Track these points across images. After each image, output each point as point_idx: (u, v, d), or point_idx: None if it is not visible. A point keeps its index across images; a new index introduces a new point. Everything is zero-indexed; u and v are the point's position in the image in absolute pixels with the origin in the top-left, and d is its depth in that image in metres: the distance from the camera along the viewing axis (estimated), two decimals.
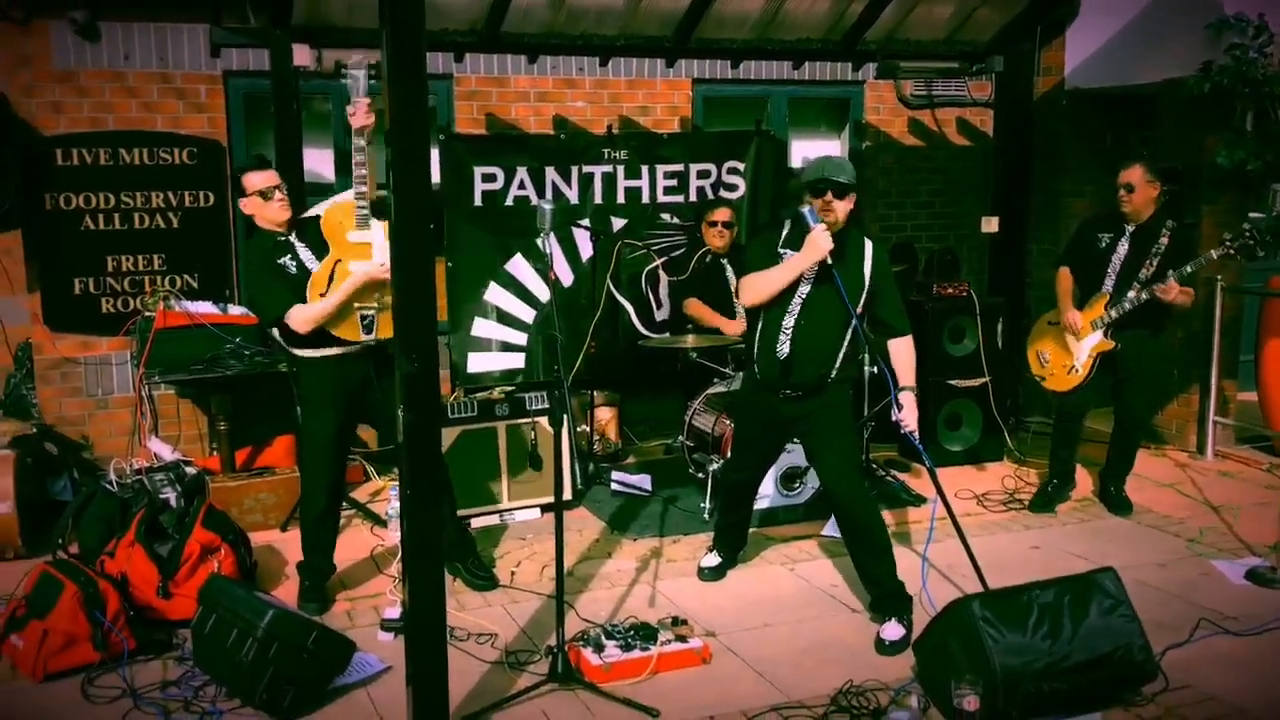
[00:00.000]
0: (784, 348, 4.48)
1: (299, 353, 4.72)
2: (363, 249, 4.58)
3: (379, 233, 4.56)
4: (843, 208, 4.40)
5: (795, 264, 4.37)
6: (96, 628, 4.15)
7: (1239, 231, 5.50)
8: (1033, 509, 6.01)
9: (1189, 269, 5.57)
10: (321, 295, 4.55)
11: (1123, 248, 5.74)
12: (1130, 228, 5.74)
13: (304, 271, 4.63)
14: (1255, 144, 6.56)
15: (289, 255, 4.67)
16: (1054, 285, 6.05)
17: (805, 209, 4.35)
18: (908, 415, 4.46)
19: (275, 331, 4.73)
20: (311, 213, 4.81)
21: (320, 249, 4.67)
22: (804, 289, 4.45)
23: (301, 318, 4.56)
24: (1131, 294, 5.65)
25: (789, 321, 4.47)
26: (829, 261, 4.31)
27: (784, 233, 4.56)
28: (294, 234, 4.72)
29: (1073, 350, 5.88)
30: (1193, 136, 6.94)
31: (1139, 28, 7.24)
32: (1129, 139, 8.09)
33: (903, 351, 4.58)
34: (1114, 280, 5.76)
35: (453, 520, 5.05)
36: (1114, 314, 5.72)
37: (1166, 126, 7.19)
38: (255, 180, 4.68)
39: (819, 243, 4.29)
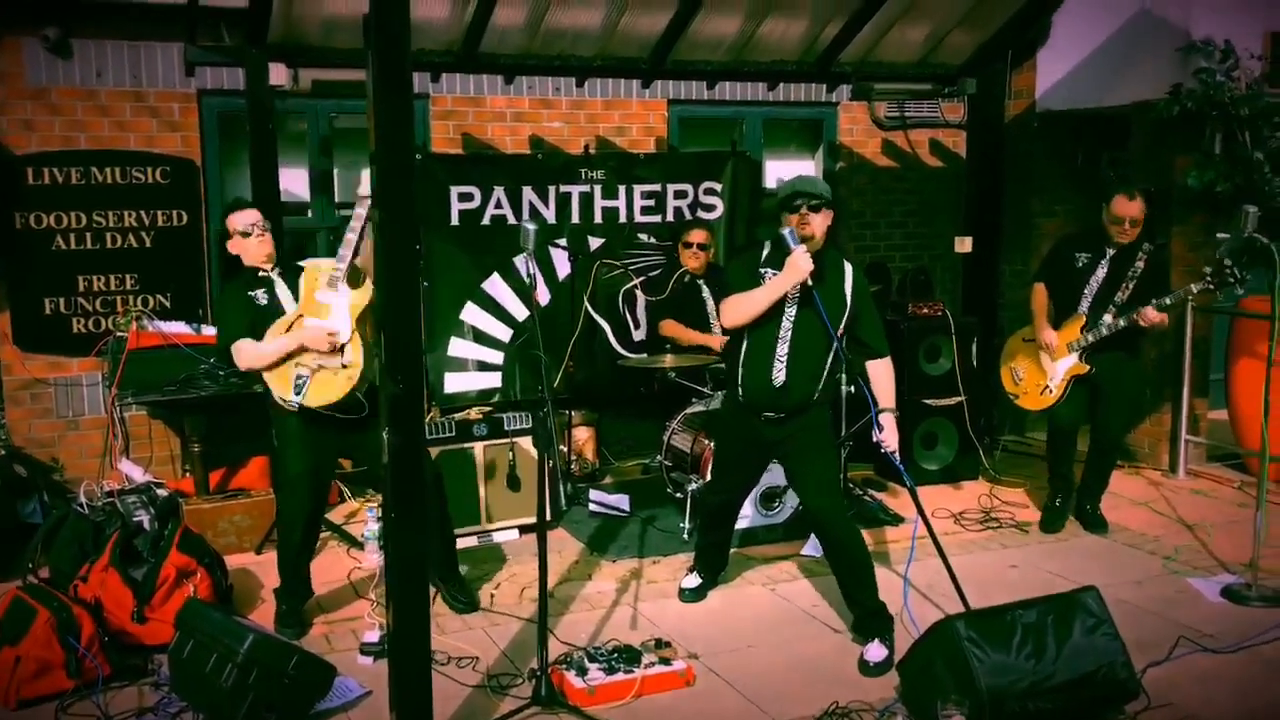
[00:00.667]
0: (779, 375, 4.47)
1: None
2: (323, 309, 4.57)
3: (343, 298, 4.56)
4: (819, 223, 4.41)
5: (777, 285, 4.38)
6: (70, 654, 4.08)
7: (1218, 265, 5.51)
8: (1044, 529, 5.98)
9: (1169, 300, 5.64)
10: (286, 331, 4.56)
11: (1101, 270, 5.80)
12: (1111, 251, 5.80)
13: (274, 305, 4.63)
14: (1224, 166, 6.67)
15: (264, 289, 4.67)
16: (1028, 302, 6.09)
17: (785, 230, 4.36)
18: (888, 436, 4.47)
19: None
20: (302, 262, 4.81)
21: (299, 296, 4.68)
22: (790, 312, 4.45)
23: (243, 352, 4.56)
24: (1108, 319, 5.71)
25: (782, 350, 4.46)
26: (809, 283, 4.32)
27: (764, 254, 4.57)
28: (277, 271, 4.72)
29: (1047, 370, 5.93)
30: (1163, 158, 7.03)
31: (1109, 51, 7.34)
32: (1100, 160, 8.20)
33: (882, 373, 4.58)
34: (1089, 302, 5.82)
35: (446, 538, 5.05)
36: (1090, 338, 5.77)
37: (1137, 148, 7.28)
38: (236, 221, 4.70)
39: (799, 264, 4.29)
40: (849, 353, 4.58)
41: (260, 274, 4.70)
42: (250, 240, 4.68)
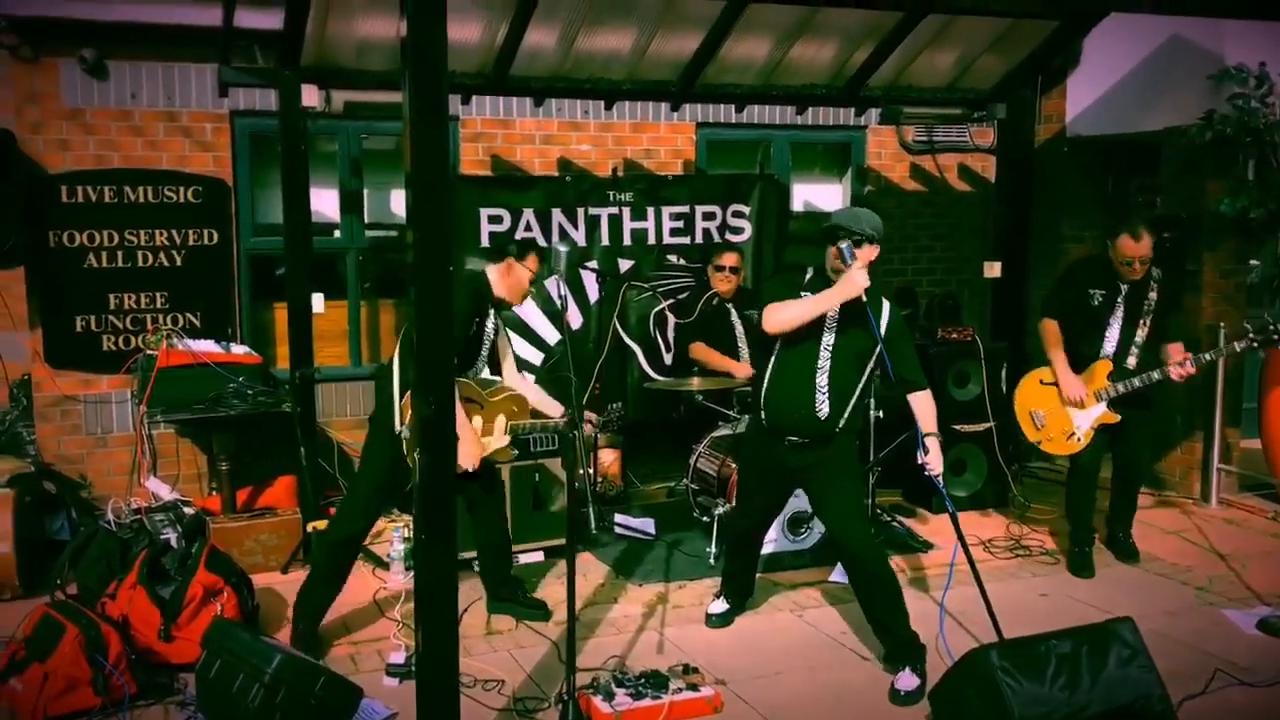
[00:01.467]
0: (824, 408, 4.46)
1: None
2: (491, 430, 4.89)
3: (501, 441, 4.89)
4: (867, 255, 4.39)
5: (830, 297, 4.33)
6: (98, 671, 4.08)
7: (1263, 324, 5.42)
8: (1075, 573, 5.78)
9: (1208, 357, 5.62)
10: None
11: (1119, 309, 5.64)
12: (1125, 287, 5.64)
13: (478, 337, 4.91)
14: (1257, 192, 6.62)
15: (489, 320, 4.95)
16: (1041, 338, 5.85)
17: (844, 245, 4.30)
18: (933, 459, 4.42)
19: None
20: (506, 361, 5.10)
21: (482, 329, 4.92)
22: (828, 339, 4.44)
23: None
24: (1148, 375, 5.54)
25: (823, 381, 4.45)
26: (864, 299, 4.28)
27: (807, 278, 4.56)
28: (494, 310, 4.97)
29: (1074, 418, 5.70)
30: (1194, 184, 6.98)
31: (1140, 77, 7.31)
32: (1130, 186, 8.15)
33: (923, 403, 4.50)
34: (1115, 344, 5.65)
35: (508, 562, 5.20)
36: (1121, 389, 5.58)
37: (1168, 174, 7.24)
38: (537, 263, 4.96)
39: (856, 280, 4.25)
40: (886, 387, 4.55)
41: (499, 303, 4.96)
42: (526, 286, 4.94)
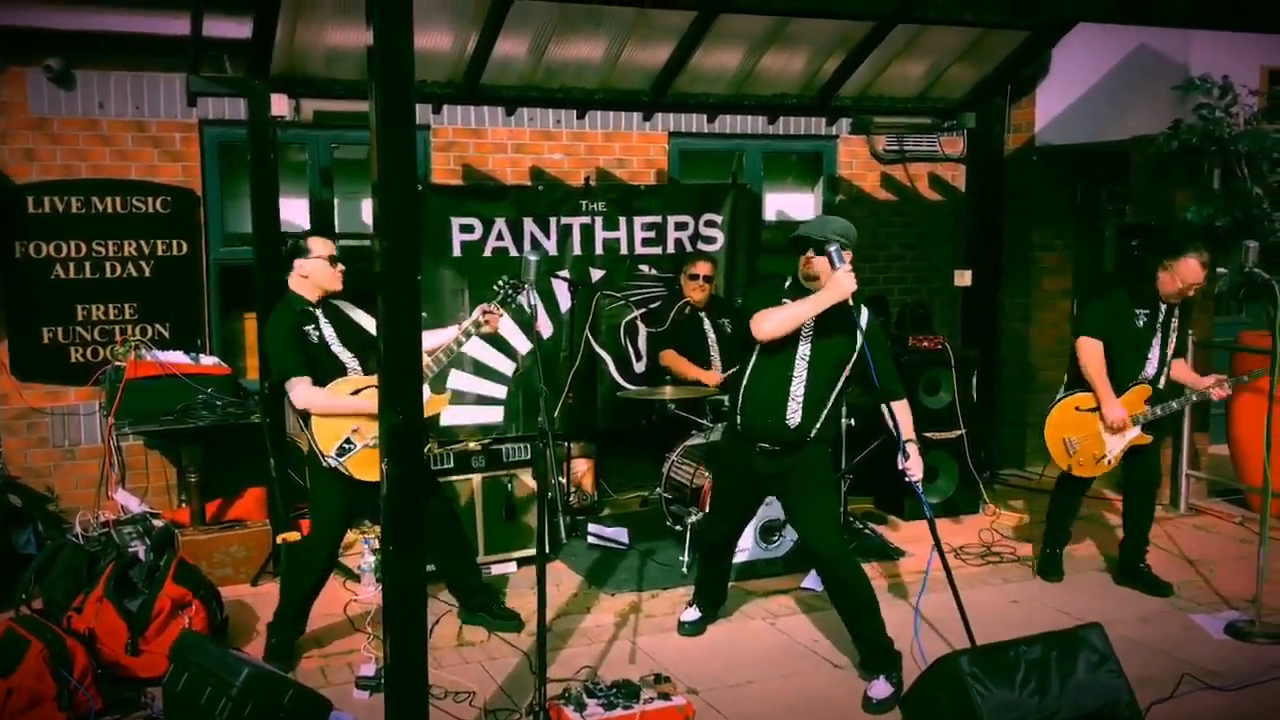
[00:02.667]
0: (795, 417, 4.47)
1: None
2: None
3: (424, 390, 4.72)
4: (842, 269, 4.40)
5: (820, 300, 4.30)
6: (63, 687, 4.03)
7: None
8: (1046, 577, 5.79)
9: (1245, 379, 5.67)
10: (353, 394, 4.60)
11: (1159, 331, 5.54)
12: (1164, 308, 5.53)
13: (323, 343, 4.68)
14: (1223, 201, 6.68)
15: (312, 325, 4.71)
16: (1084, 361, 5.53)
17: (832, 248, 4.28)
18: (914, 465, 4.43)
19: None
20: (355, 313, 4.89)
21: (344, 330, 4.74)
22: (804, 349, 4.46)
23: (304, 395, 4.58)
24: (1183, 398, 5.55)
25: (797, 390, 4.46)
26: (850, 303, 4.28)
27: (787, 285, 4.56)
28: (320, 308, 4.75)
29: (1107, 442, 5.55)
30: (1162, 193, 7.05)
31: (1108, 87, 7.38)
32: (1099, 195, 8.22)
33: (900, 411, 4.49)
34: (1155, 366, 5.55)
35: (473, 569, 5.14)
36: (1159, 412, 5.53)
37: (1136, 183, 7.30)
38: (325, 246, 4.74)
39: (843, 282, 4.23)
40: (856, 395, 4.56)
41: (308, 309, 4.72)
42: (334, 271, 4.73)
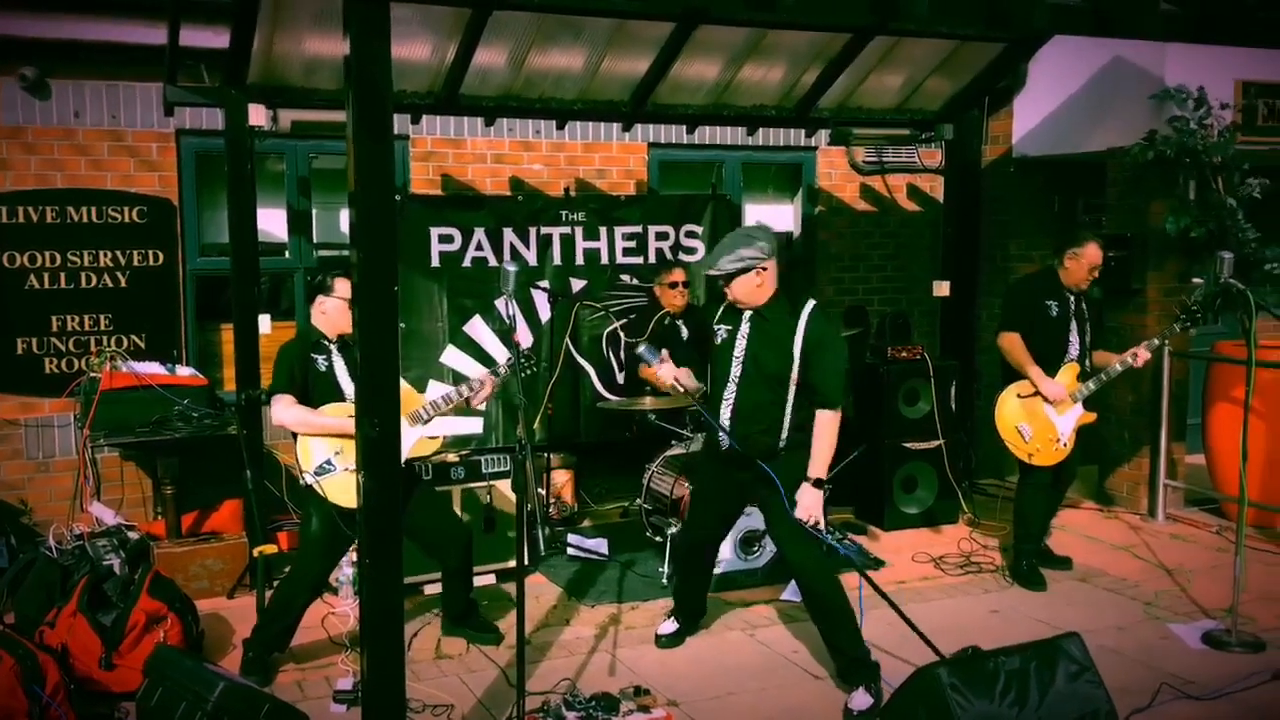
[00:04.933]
0: (725, 420, 4.57)
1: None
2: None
3: (413, 435, 4.78)
4: (740, 289, 4.46)
5: (663, 376, 4.60)
6: (34, 703, 3.97)
7: (1184, 304, 5.68)
8: (1029, 586, 5.79)
9: (1156, 342, 5.78)
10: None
11: (1073, 317, 5.80)
12: (1072, 296, 5.80)
13: (331, 374, 4.72)
14: (1198, 212, 6.74)
15: (324, 355, 4.74)
16: (1006, 353, 5.83)
17: (641, 348, 4.56)
18: (802, 510, 4.41)
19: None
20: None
21: (354, 368, 4.67)
22: (735, 371, 4.55)
23: (285, 412, 4.59)
24: (1109, 368, 5.71)
25: (729, 391, 4.57)
26: (679, 389, 4.55)
27: (719, 311, 4.65)
28: (335, 344, 4.78)
29: (1056, 424, 5.75)
30: (1138, 204, 7.10)
31: (1085, 98, 7.43)
32: (1076, 205, 8.27)
33: (823, 429, 4.44)
34: (1077, 349, 5.80)
35: (465, 583, 5.11)
36: (1093, 386, 5.75)
37: (1112, 194, 7.35)
38: (348, 288, 4.70)
39: (663, 378, 4.54)
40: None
41: (323, 342, 4.76)
42: (350, 314, 4.68)
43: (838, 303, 8.21)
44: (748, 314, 4.53)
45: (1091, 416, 5.82)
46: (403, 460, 4.65)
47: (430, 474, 5.75)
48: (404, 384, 4.85)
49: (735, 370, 4.53)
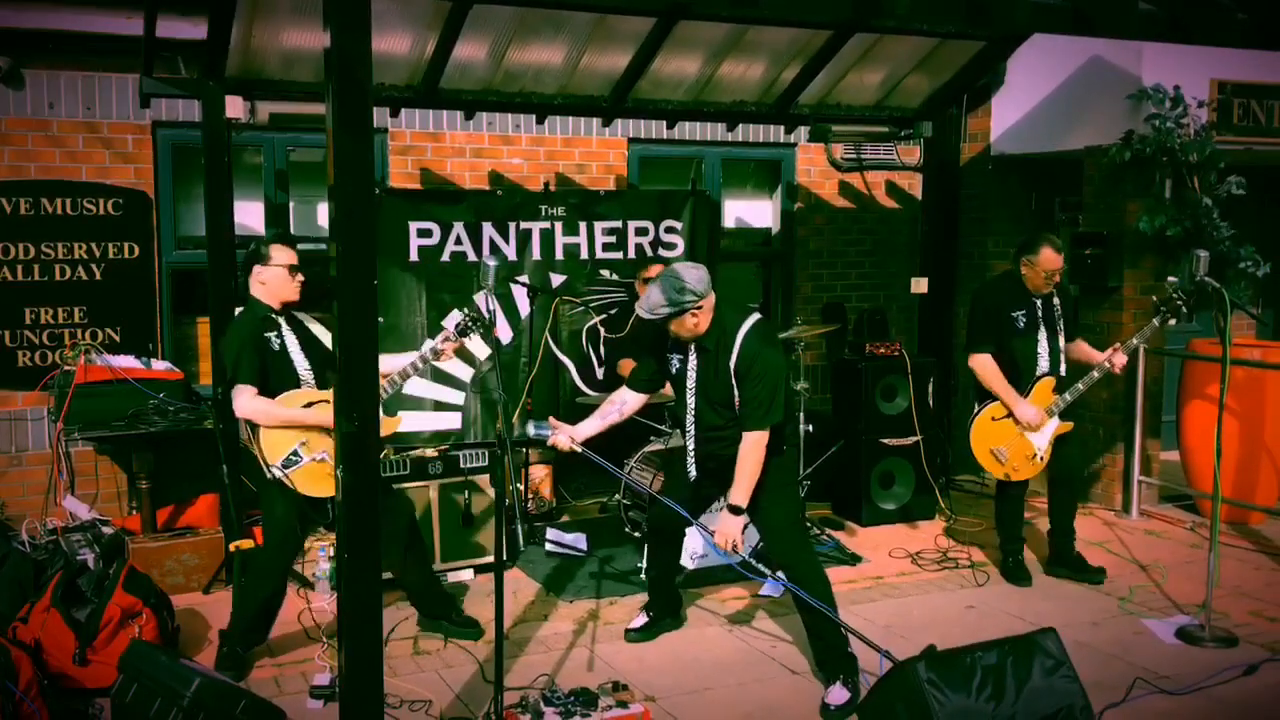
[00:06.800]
0: (690, 441, 4.68)
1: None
2: None
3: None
4: (678, 327, 4.47)
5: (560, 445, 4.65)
6: (7, 699, 3.93)
7: (1167, 295, 5.58)
8: (1014, 581, 5.82)
9: (1135, 341, 5.74)
10: (306, 406, 4.59)
11: (1041, 324, 5.70)
12: (1038, 301, 5.71)
13: (285, 352, 4.64)
14: (1174, 210, 6.79)
15: (274, 332, 4.66)
16: (979, 376, 5.70)
17: (530, 428, 4.64)
18: (719, 538, 4.45)
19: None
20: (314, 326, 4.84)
21: (305, 342, 4.70)
22: (692, 400, 4.61)
23: (246, 404, 4.53)
24: (1087, 376, 5.64)
25: (689, 419, 4.65)
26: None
27: (670, 340, 4.65)
28: (283, 316, 4.70)
29: (1032, 440, 5.68)
30: (1115, 202, 7.14)
31: (1062, 97, 7.47)
32: (1053, 203, 8.32)
33: (744, 455, 4.43)
34: (1047, 360, 5.70)
35: (430, 577, 5.11)
36: (1069, 398, 5.65)
37: (1089, 192, 7.39)
38: (286, 255, 4.69)
39: (561, 446, 4.60)
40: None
41: (271, 316, 4.68)
42: (293, 281, 4.69)
43: (816, 299, 8.23)
44: (692, 345, 4.56)
45: (1068, 426, 5.74)
46: None
47: (409, 468, 5.74)
48: None
49: (690, 400, 4.61)
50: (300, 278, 4.71)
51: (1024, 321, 5.69)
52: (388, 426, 4.83)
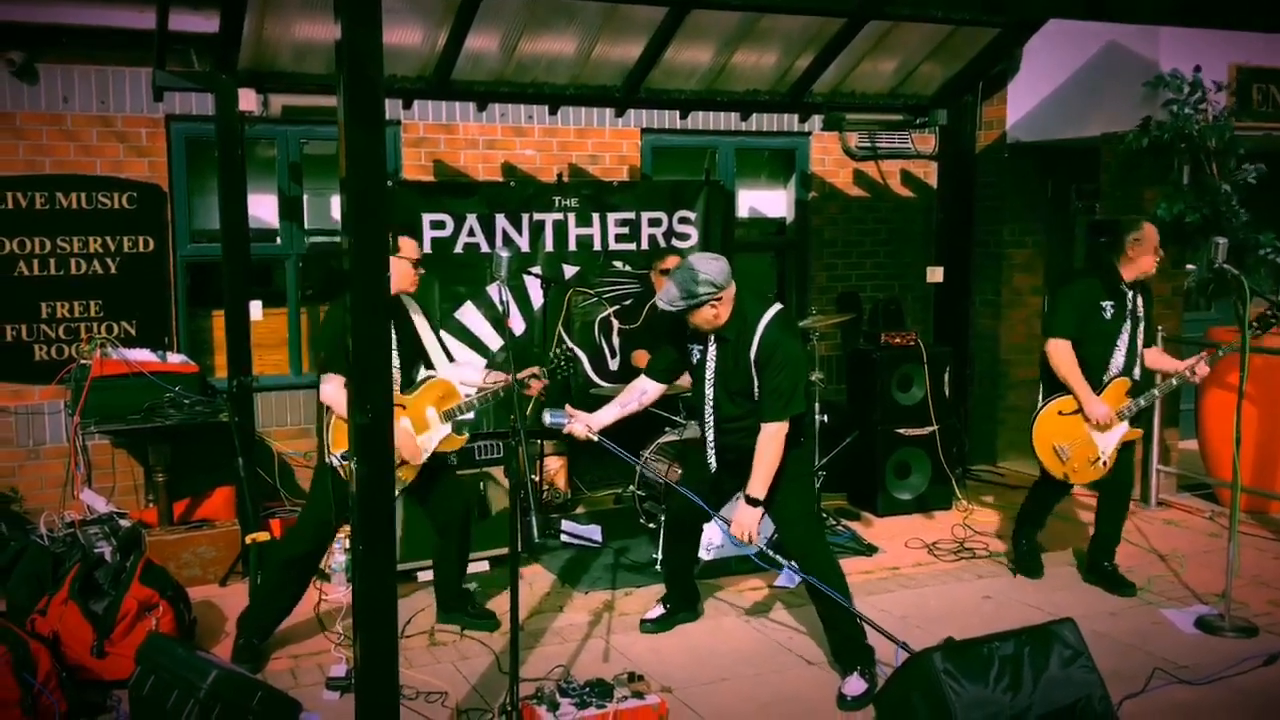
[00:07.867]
0: (710, 435, 4.64)
1: None
2: (426, 423, 4.83)
3: (442, 431, 4.81)
4: (698, 319, 4.44)
5: (577, 433, 4.62)
6: (26, 691, 3.95)
7: (1261, 314, 5.35)
8: (1028, 574, 5.74)
9: (1221, 352, 5.57)
10: None
11: (1127, 319, 5.41)
12: (1130, 294, 5.40)
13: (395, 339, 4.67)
14: (1192, 197, 6.72)
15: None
16: (1055, 363, 5.37)
17: (547, 416, 4.51)
18: (736, 528, 4.43)
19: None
20: (433, 353, 4.96)
21: (401, 333, 4.75)
22: (710, 392, 4.57)
23: (333, 392, 4.54)
24: (1164, 383, 5.50)
25: (708, 409, 4.61)
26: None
27: (689, 330, 4.60)
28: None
29: (1098, 443, 5.40)
30: (1132, 189, 7.09)
31: (1079, 83, 7.41)
32: (1069, 191, 8.26)
33: (762, 447, 4.40)
34: (1124, 357, 5.42)
35: (460, 567, 5.11)
36: (1143, 403, 5.44)
37: (1106, 179, 7.33)
38: (414, 249, 4.77)
39: (578, 434, 4.55)
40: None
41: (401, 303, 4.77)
42: (414, 273, 4.77)
43: (830, 289, 8.20)
44: (712, 335, 4.53)
45: (1137, 433, 5.48)
46: (430, 453, 4.80)
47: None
48: (449, 379, 4.93)
49: (709, 391, 4.58)
50: (421, 271, 4.81)
51: (1111, 313, 5.37)
52: (452, 444, 4.92)
